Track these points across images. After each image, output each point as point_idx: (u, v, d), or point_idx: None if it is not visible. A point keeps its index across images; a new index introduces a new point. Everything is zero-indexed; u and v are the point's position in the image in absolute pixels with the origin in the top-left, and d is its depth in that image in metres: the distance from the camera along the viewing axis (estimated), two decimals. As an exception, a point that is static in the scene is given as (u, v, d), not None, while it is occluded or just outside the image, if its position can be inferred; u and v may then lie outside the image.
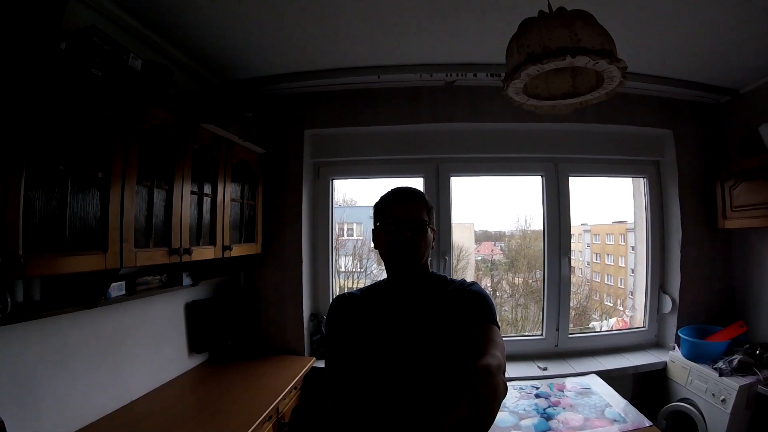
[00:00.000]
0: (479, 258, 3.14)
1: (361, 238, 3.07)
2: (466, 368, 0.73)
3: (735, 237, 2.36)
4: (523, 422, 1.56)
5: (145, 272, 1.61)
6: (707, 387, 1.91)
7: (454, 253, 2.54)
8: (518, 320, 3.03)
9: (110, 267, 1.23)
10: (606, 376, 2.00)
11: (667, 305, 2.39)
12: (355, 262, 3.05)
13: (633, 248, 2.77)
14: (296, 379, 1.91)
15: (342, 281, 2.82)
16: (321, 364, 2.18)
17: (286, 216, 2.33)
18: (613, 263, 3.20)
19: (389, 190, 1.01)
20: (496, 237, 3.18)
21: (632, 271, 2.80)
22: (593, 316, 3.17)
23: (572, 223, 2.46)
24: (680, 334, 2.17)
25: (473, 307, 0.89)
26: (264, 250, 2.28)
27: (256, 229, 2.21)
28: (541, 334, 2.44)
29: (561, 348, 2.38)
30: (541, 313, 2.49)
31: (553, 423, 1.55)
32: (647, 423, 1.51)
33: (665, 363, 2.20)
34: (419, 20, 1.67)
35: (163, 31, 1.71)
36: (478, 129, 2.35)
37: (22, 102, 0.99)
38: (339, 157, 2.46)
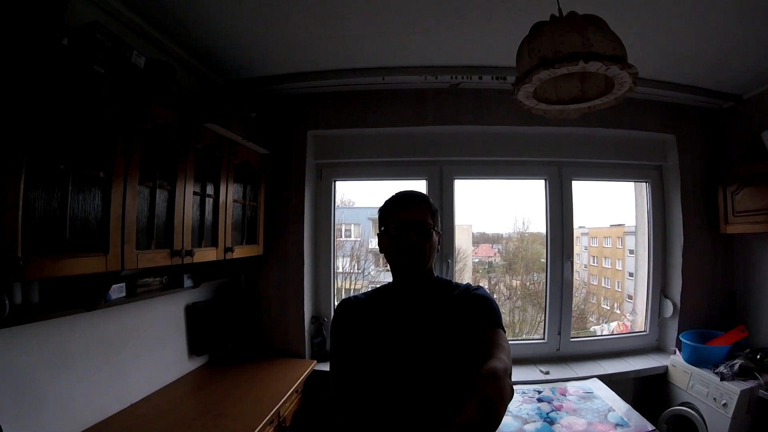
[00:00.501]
0: (477, 260, 3.14)
1: (358, 239, 3.06)
2: (472, 372, 0.73)
3: (736, 242, 2.37)
4: (527, 426, 1.56)
5: (145, 274, 1.59)
6: (708, 391, 1.91)
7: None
8: (516, 323, 3.03)
9: (111, 269, 1.21)
10: (607, 380, 2.01)
11: (669, 309, 2.39)
12: (352, 264, 3.04)
13: (631, 251, 2.77)
14: (297, 382, 1.89)
15: (339, 282, 2.80)
16: (322, 367, 2.17)
17: (289, 217, 2.31)
18: (610, 266, 3.21)
19: (394, 193, 1.00)
20: (494, 239, 3.18)
21: (630, 275, 2.80)
22: (590, 319, 3.17)
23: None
24: (681, 339, 2.18)
25: (479, 311, 0.89)
26: (266, 252, 2.26)
27: (258, 231, 2.19)
28: (543, 338, 2.43)
29: (563, 352, 2.38)
30: (539, 316, 2.49)
31: (556, 427, 1.54)
32: (650, 427, 1.52)
33: (666, 367, 2.21)
34: (426, 22, 1.66)
35: (166, 28, 1.69)
36: (482, 132, 2.35)
37: (21, 98, 0.96)
38: (342, 159, 2.44)
